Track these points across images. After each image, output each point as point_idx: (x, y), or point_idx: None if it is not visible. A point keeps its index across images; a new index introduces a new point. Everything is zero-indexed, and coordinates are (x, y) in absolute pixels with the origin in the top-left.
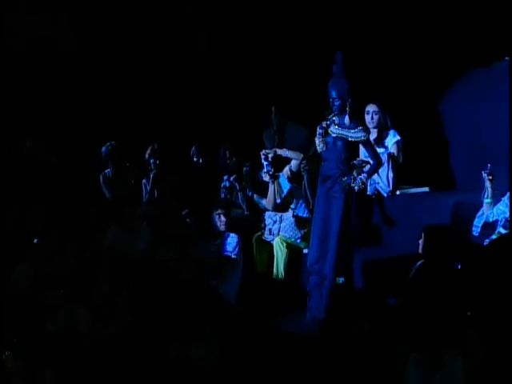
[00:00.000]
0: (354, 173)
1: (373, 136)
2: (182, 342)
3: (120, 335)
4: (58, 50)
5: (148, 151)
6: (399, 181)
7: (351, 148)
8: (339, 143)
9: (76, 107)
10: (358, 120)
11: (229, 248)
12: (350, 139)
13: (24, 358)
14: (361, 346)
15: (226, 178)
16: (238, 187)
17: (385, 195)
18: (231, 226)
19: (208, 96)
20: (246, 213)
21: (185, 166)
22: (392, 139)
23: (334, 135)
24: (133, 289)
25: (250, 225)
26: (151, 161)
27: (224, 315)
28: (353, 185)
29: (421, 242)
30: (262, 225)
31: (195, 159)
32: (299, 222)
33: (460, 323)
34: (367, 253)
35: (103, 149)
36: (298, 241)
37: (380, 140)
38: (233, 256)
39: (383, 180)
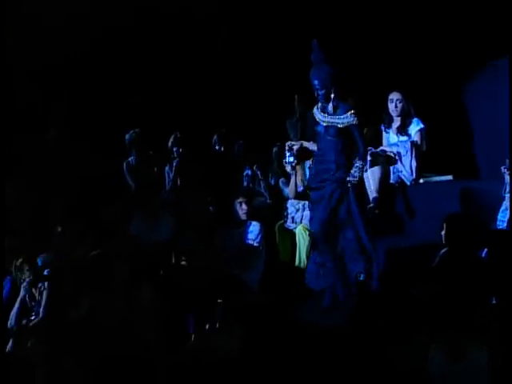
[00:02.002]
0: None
1: (396, 124)
2: (203, 332)
3: (141, 324)
4: (79, 38)
5: (171, 139)
6: (422, 169)
7: (348, 137)
8: (331, 131)
9: (99, 96)
10: (346, 104)
11: (251, 236)
12: (340, 126)
13: (47, 347)
14: (382, 337)
15: (248, 166)
16: (260, 175)
17: (408, 183)
18: (254, 215)
19: (230, 84)
20: (268, 201)
21: (207, 154)
22: (415, 127)
23: (324, 124)
24: (155, 277)
25: (273, 213)
26: (174, 149)
27: (246, 304)
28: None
29: (443, 231)
30: (285, 213)
31: (217, 148)
32: None
33: (484, 313)
34: (390, 241)
35: (127, 136)
36: None
37: (403, 128)
38: (255, 244)
39: (406, 168)
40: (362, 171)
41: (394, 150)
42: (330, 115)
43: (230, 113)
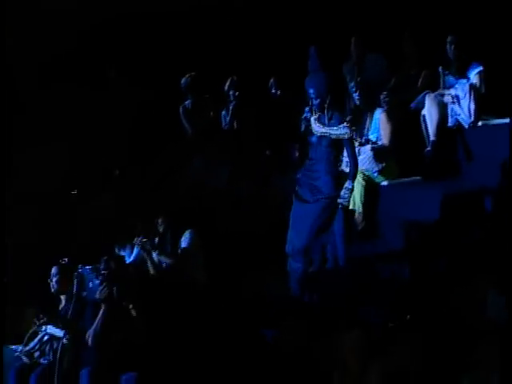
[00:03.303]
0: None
1: (455, 66)
2: (255, 278)
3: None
4: None
5: (227, 83)
6: (481, 112)
7: (339, 147)
8: (324, 142)
9: (156, 40)
10: (341, 115)
11: None
12: (333, 137)
13: (109, 286)
14: (442, 282)
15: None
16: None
17: (466, 127)
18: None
19: (286, 27)
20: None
21: (263, 97)
22: (474, 69)
23: (318, 134)
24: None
25: None
26: (230, 92)
27: None
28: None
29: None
30: (340, 157)
31: (273, 91)
32: (378, 155)
33: None
34: (446, 186)
35: (183, 80)
36: (375, 174)
37: (462, 70)
38: None
39: (464, 111)
40: (352, 193)
41: (453, 92)
42: (324, 125)
43: (287, 55)
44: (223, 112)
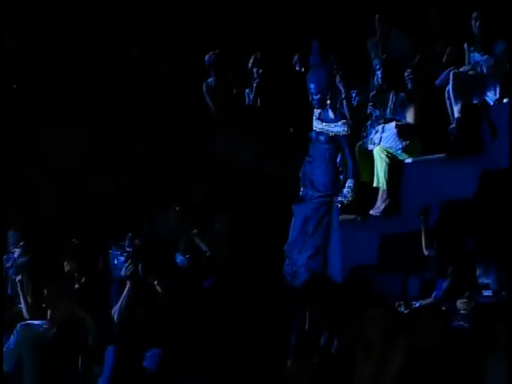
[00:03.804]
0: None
1: (479, 43)
2: (275, 260)
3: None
4: None
5: (251, 60)
6: (506, 88)
7: (337, 144)
8: (322, 138)
9: (180, 18)
10: (341, 113)
11: None
12: (330, 134)
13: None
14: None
15: None
16: (343, 95)
17: (491, 103)
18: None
19: (310, 4)
20: (350, 122)
21: (287, 75)
22: (500, 46)
23: (317, 130)
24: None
25: (354, 134)
26: (254, 70)
27: None
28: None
29: None
30: (364, 134)
31: (297, 68)
32: (402, 132)
33: None
34: (471, 162)
35: (206, 58)
36: (399, 152)
37: (487, 47)
38: None
39: (489, 88)
40: (354, 192)
41: (477, 69)
42: (323, 122)
43: (310, 32)
44: (247, 90)
